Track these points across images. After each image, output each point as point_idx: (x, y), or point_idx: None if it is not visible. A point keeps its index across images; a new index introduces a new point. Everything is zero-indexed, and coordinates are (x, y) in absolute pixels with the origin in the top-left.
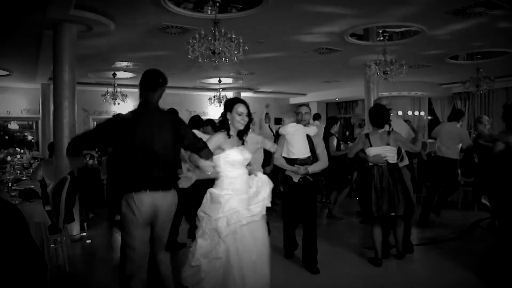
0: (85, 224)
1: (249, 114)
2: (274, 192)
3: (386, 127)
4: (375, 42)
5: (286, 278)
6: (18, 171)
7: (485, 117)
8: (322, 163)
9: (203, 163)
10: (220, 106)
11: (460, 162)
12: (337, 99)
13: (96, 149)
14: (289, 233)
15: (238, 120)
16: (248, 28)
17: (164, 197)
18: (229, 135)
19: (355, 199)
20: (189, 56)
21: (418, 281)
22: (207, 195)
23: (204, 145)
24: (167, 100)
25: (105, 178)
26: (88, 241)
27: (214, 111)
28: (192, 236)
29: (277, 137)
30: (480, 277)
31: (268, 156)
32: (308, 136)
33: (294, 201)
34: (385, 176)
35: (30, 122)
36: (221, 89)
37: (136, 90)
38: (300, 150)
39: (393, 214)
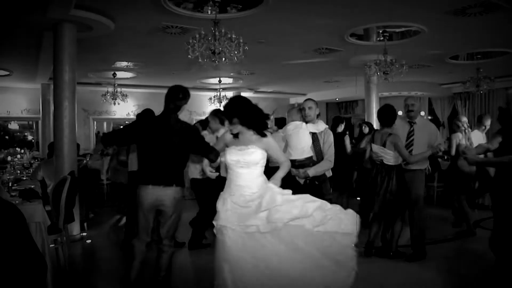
0: (85, 224)
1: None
2: None
3: (391, 129)
4: (375, 42)
5: None
6: (18, 171)
7: (463, 118)
8: (326, 163)
9: (202, 164)
10: (220, 106)
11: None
12: (337, 99)
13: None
14: None
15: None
16: (248, 28)
17: (165, 191)
18: (233, 135)
19: (356, 199)
20: (189, 56)
21: (418, 281)
22: None
23: (212, 149)
24: None
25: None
26: (88, 241)
27: None
28: (193, 246)
29: None
30: (480, 277)
31: None
32: (313, 134)
33: None
34: (381, 176)
35: (30, 122)
36: (221, 89)
37: (136, 90)
38: (298, 151)
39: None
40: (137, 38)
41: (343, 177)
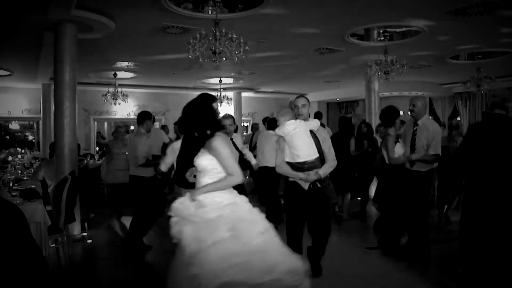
0: (86, 224)
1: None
2: (276, 209)
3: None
4: (376, 42)
5: None
6: (19, 171)
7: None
8: (331, 164)
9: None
10: (221, 106)
11: None
12: (338, 99)
13: (98, 150)
14: (295, 247)
15: None
16: (248, 28)
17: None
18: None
19: (356, 199)
20: (190, 56)
21: (418, 281)
22: None
23: None
24: (168, 100)
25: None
26: (89, 241)
27: None
28: None
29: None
30: (480, 277)
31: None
32: (312, 132)
33: (303, 213)
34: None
35: (31, 122)
36: (222, 89)
37: (137, 90)
38: (306, 152)
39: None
40: (137, 38)
41: (345, 177)
